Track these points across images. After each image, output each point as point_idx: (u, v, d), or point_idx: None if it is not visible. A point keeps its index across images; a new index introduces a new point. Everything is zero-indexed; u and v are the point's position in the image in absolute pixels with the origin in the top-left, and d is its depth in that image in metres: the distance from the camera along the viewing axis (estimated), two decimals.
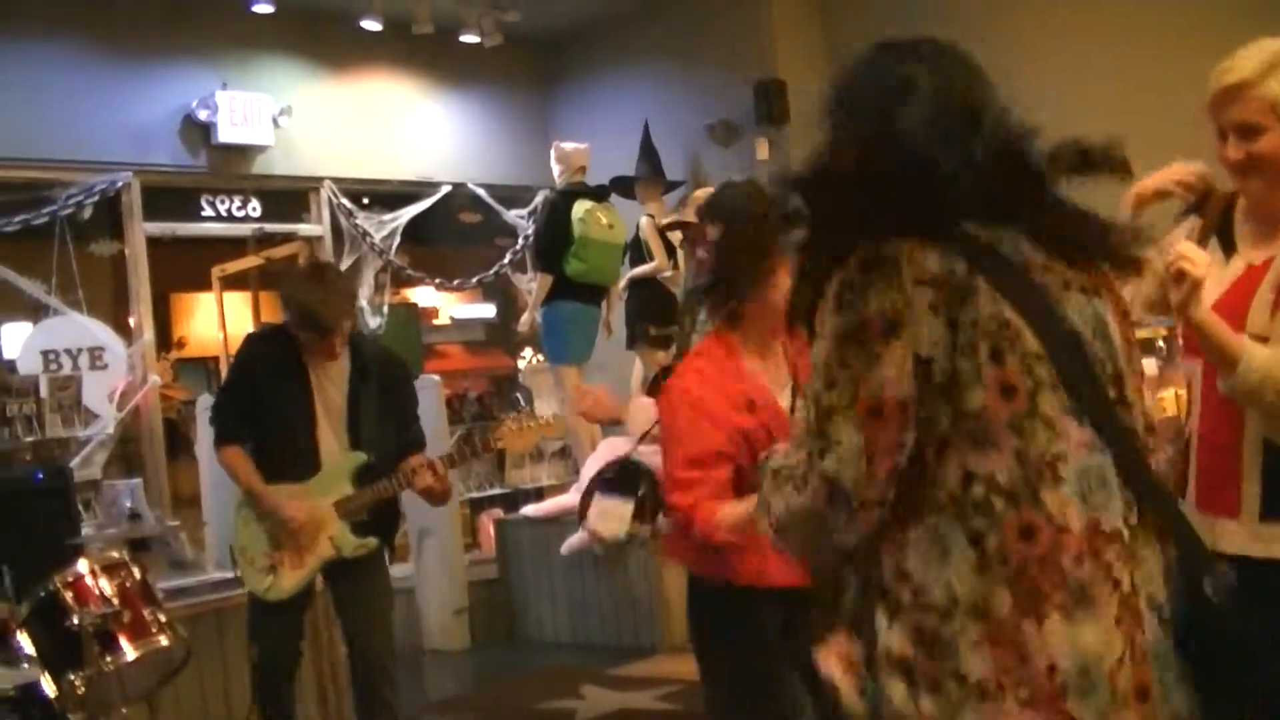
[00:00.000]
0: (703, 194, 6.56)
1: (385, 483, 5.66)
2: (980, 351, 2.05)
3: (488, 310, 15.27)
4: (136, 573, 5.23)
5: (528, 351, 12.54)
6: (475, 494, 10.98)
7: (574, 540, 9.00)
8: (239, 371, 5.88)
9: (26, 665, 4.97)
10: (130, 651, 4.97)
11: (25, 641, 4.99)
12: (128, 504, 8.21)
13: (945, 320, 2.05)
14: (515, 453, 6.37)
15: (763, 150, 10.96)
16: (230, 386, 5.93)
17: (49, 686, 4.85)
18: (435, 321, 15.25)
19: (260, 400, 5.66)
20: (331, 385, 5.70)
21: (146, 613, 5.06)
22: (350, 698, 6.07)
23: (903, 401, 2.05)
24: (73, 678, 4.77)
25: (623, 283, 9.84)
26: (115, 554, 5.35)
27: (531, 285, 10.84)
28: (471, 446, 6.09)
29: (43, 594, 4.98)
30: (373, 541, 5.69)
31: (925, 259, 2.07)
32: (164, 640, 5.11)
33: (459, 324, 15.73)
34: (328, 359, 5.65)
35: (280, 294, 5.98)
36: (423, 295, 13.97)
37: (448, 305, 15.35)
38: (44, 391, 8.93)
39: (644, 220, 9.88)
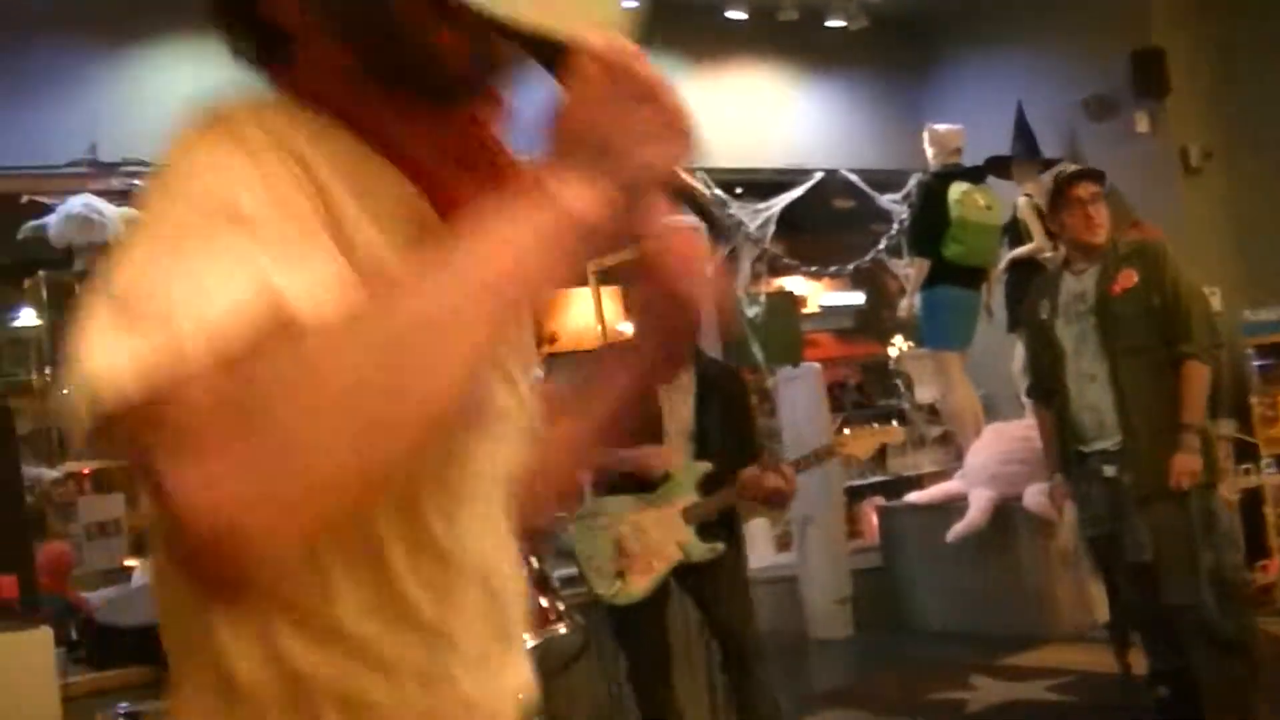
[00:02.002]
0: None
1: (728, 490, 5.80)
2: None
3: (857, 298, 15.16)
4: (534, 562, 5.31)
5: (898, 338, 12.40)
6: (856, 482, 10.91)
7: (960, 526, 8.87)
8: None
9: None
10: (530, 639, 5.03)
11: None
12: None
13: None
14: (861, 458, 6.36)
15: (1142, 124, 10.59)
16: None
17: None
18: (805, 310, 15.21)
19: None
20: (678, 399, 5.87)
21: (544, 601, 5.14)
22: (720, 689, 6.21)
23: None
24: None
25: (1002, 264, 9.65)
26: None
27: (908, 270, 10.71)
28: (815, 455, 6.22)
29: None
30: (720, 546, 5.83)
31: None
32: (562, 628, 5.19)
33: (828, 311, 15.65)
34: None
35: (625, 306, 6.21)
36: (792, 284, 13.93)
37: (816, 293, 15.29)
38: None
39: (1021, 200, 9.69)
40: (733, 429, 5.89)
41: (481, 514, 1.45)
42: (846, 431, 6.42)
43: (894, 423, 8.81)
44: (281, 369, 1.08)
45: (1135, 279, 5.69)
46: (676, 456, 5.84)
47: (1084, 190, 5.87)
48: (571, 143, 1.31)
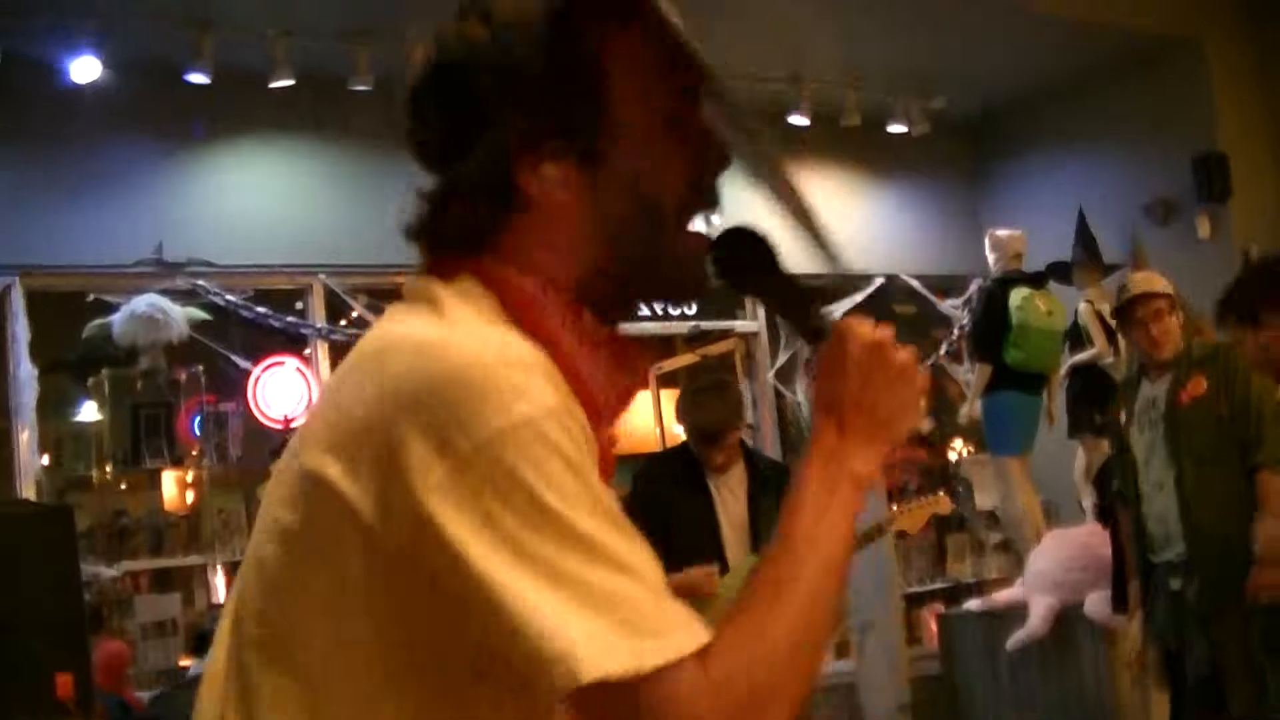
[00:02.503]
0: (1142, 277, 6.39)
1: None
2: None
3: None
4: None
5: (958, 442, 12.34)
6: (916, 588, 10.83)
7: (1021, 634, 8.77)
8: (645, 489, 6.12)
9: None
10: None
11: None
12: None
13: None
14: (911, 533, 6.29)
15: (1204, 228, 10.57)
16: (636, 506, 6.08)
17: None
18: None
19: (667, 513, 5.80)
20: (731, 495, 5.93)
21: None
22: None
23: None
24: None
25: (1064, 370, 9.60)
26: None
27: (968, 376, 10.67)
28: (866, 535, 6.09)
29: None
30: None
31: None
32: None
33: None
34: (718, 471, 5.92)
35: (676, 408, 6.30)
36: None
37: None
38: None
39: (1083, 305, 9.66)
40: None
41: None
42: (894, 508, 6.36)
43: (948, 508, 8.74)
44: (746, 655, 1.39)
45: (1204, 387, 5.67)
46: (734, 554, 5.82)
47: (1143, 311, 5.89)
48: (854, 415, 1.58)
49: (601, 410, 1.52)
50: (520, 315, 1.47)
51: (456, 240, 1.54)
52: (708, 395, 6.00)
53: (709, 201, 1.64)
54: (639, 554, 1.38)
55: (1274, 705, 5.41)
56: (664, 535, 5.79)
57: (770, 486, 5.87)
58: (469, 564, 1.30)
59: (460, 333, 1.40)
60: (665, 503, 5.87)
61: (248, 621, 1.45)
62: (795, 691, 1.40)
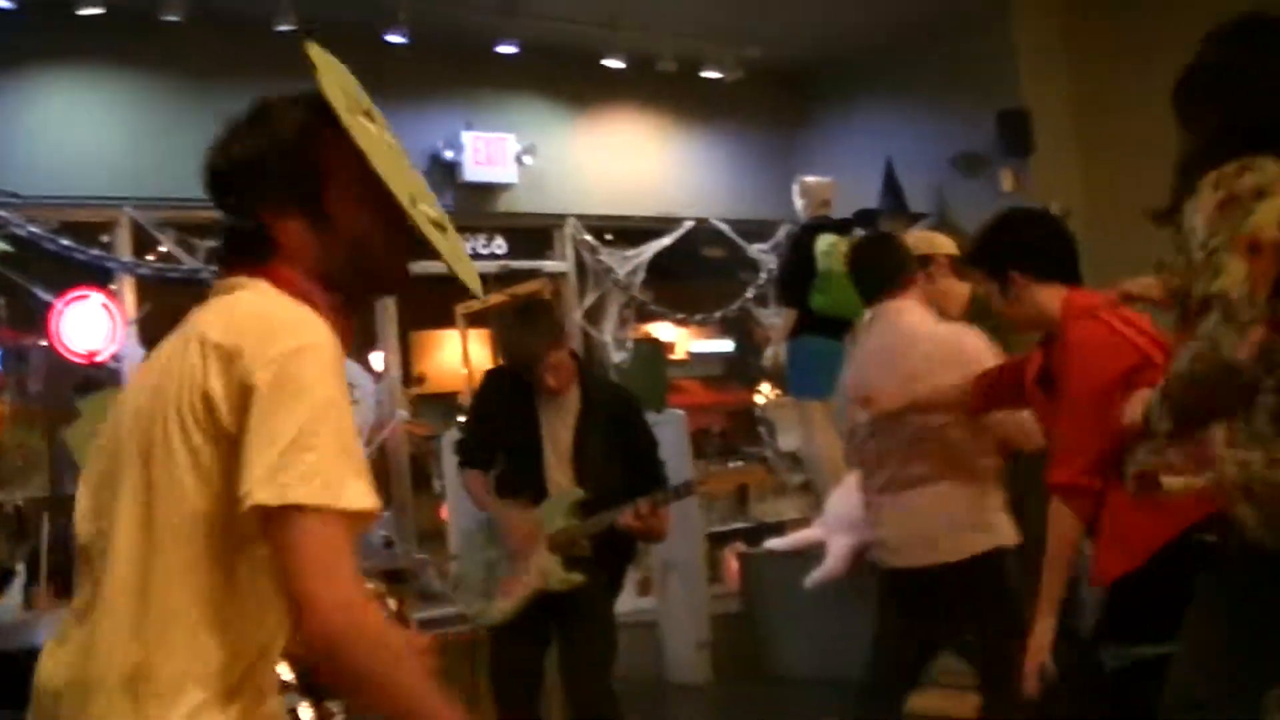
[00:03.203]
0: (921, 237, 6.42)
1: (595, 519, 5.70)
2: None
3: (726, 345, 15.24)
4: (392, 604, 5.30)
5: (765, 386, 12.49)
6: (718, 528, 10.95)
7: (818, 573, 8.93)
8: (479, 404, 6.18)
9: (288, 693, 5.08)
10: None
11: (285, 669, 5.10)
12: (381, 535, 8.35)
13: None
14: (715, 499, 6.23)
15: (1008, 181, 10.82)
16: (472, 418, 6.08)
17: (308, 713, 4.94)
18: (673, 356, 15.25)
19: (496, 433, 5.86)
20: (560, 421, 5.80)
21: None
22: None
23: (1274, 242, 2.76)
24: (331, 706, 4.84)
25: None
26: (370, 585, 5.42)
27: (775, 320, 10.81)
28: (675, 491, 6.04)
29: None
30: (578, 578, 5.67)
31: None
32: None
33: (698, 359, 15.72)
34: (549, 394, 5.76)
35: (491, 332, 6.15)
36: (661, 331, 13.99)
37: (685, 340, 15.36)
38: None
39: None
40: (618, 454, 5.79)
41: None
42: (708, 468, 6.33)
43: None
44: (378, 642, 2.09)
45: None
46: (556, 479, 5.76)
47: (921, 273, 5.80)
48: None
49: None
50: (294, 294, 2.31)
51: (248, 258, 2.37)
52: (517, 323, 5.84)
53: (409, 244, 2.41)
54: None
55: None
56: (496, 452, 5.84)
57: (601, 414, 5.79)
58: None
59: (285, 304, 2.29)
60: (494, 424, 5.87)
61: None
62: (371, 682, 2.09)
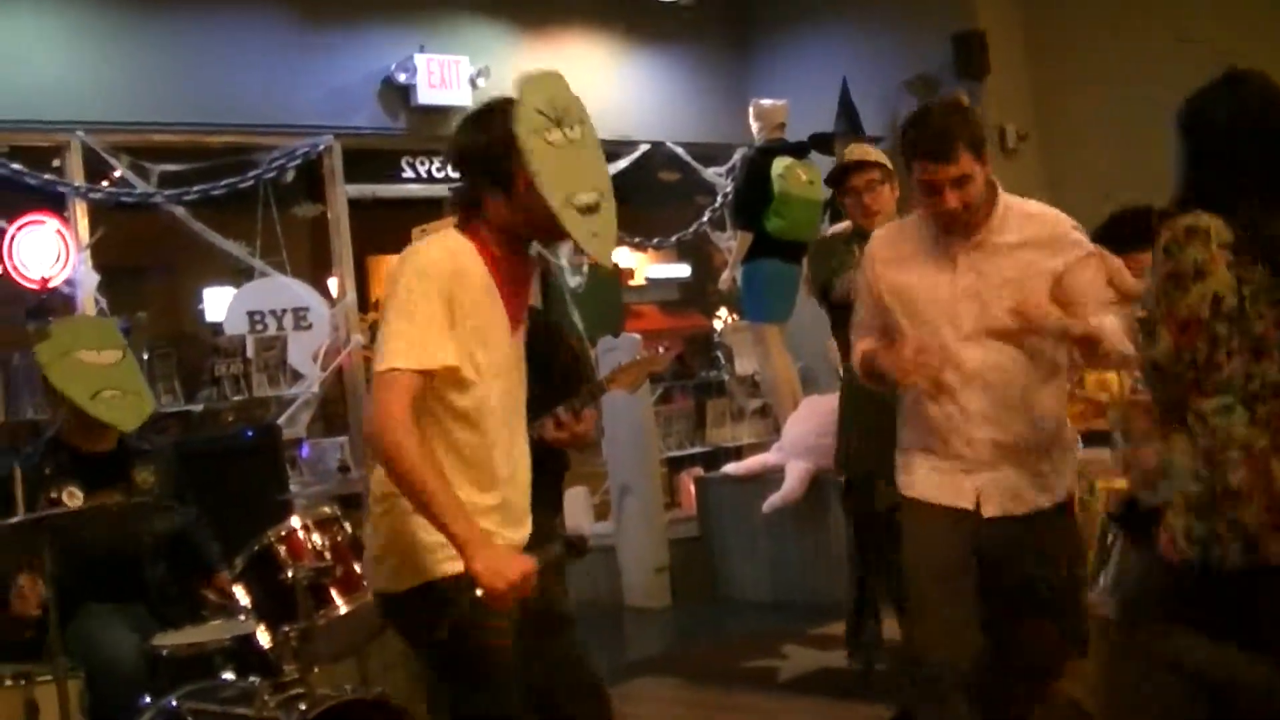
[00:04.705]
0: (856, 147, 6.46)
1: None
2: (1260, 300, 3.30)
3: (683, 270, 15.26)
4: (348, 528, 5.27)
5: (723, 311, 12.50)
6: (675, 452, 10.98)
7: (775, 498, 8.97)
8: None
9: (243, 617, 5.08)
10: (342, 605, 5.00)
11: (241, 594, 5.10)
12: (335, 460, 8.34)
13: (1235, 275, 3.29)
14: (629, 391, 6.14)
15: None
16: None
17: (264, 638, 4.95)
18: (631, 282, 15.26)
19: None
20: None
21: (357, 568, 5.09)
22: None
23: (1201, 321, 3.28)
24: (287, 629, 4.83)
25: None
26: (327, 509, 5.40)
27: (730, 243, 10.79)
28: (589, 391, 6.04)
29: (256, 548, 5.04)
30: None
31: (1223, 230, 3.30)
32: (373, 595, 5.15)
33: (654, 284, 15.74)
34: None
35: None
36: (617, 255, 13.97)
37: (643, 265, 15.35)
38: (250, 352, 9.12)
39: None
40: (540, 377, 5.76)
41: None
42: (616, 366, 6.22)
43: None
44: (408, 447, 3.43)
45: None
46: None
47: (857, 180, 5.94)
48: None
49: (503, 283, 3.64)
50: (477, 240, 3.59)
51: (464, 213, 3.64)
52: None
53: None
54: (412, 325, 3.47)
55: None
56: None
57: (536, 345, 5.72)
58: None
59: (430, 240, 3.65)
60: None
61: None
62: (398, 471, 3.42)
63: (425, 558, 3.58)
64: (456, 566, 3.46)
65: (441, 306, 3.45)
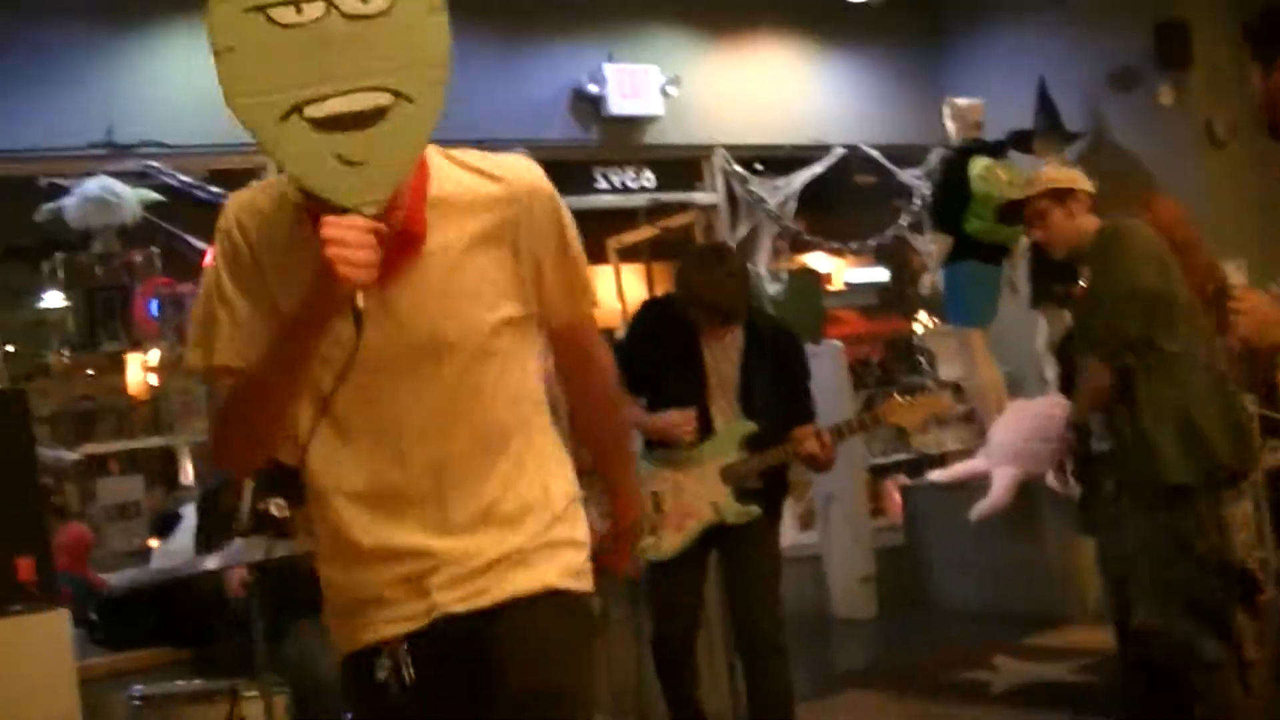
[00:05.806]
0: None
1: (773, 451, 5.65)
2: None
3: (881, 274, 15.09)
4: None
5: (923, 314, 12.34)
6: (879, 460, 10.85)
7: (983, 505, 8.82)
8: (634, 337, 6.05)
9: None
10: None
11: None
12: None
13: None
14: (912, 430, 6.04)
15: (1166, 96, 10.50)
16: (626, 352, 5.94)
17: None
18: (829, 287, 15.14)
19: (654, 367, 5.72)
20: (725, 356, 5.72)
21: None
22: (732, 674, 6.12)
23: None
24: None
25: (1025, 240, 9.58)
26: None
27: (930, 246, 10.65)
28: (860, 421, 6.04)
29: None
30: (755, 510, 5.64)
31: None
32: None
33: (853, 288, 15.60)
34: (714, 330, 5.68)
35: (677, 274, 5.95)
36: (815, 261, 13.87)
37: (841, 270, 15.22)
38: None
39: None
40: (782, 389, 5.72)
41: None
42: (895, 397, 6.16)
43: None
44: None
45: (1089, 278, 5.48)
46: (720, 416, 5.70)
47: (1028, 213, 5.54)
48: None
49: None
50: None
51: None
52: (723, 274, 5.63)
53: None
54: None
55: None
56: (655, 386, 5.79)
57: (766, 348, 5.72)
58: None
59: None
60: (653, 359, 5.74)
61: None
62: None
63: None
64: None
65: None
